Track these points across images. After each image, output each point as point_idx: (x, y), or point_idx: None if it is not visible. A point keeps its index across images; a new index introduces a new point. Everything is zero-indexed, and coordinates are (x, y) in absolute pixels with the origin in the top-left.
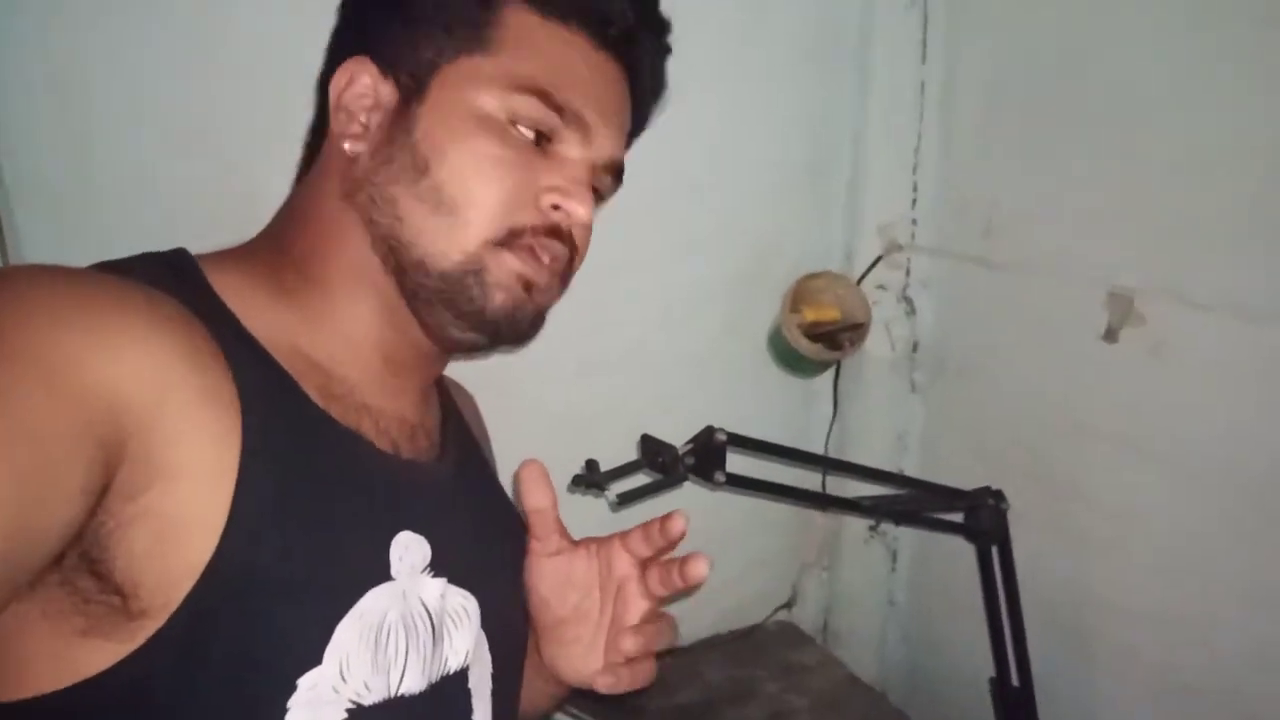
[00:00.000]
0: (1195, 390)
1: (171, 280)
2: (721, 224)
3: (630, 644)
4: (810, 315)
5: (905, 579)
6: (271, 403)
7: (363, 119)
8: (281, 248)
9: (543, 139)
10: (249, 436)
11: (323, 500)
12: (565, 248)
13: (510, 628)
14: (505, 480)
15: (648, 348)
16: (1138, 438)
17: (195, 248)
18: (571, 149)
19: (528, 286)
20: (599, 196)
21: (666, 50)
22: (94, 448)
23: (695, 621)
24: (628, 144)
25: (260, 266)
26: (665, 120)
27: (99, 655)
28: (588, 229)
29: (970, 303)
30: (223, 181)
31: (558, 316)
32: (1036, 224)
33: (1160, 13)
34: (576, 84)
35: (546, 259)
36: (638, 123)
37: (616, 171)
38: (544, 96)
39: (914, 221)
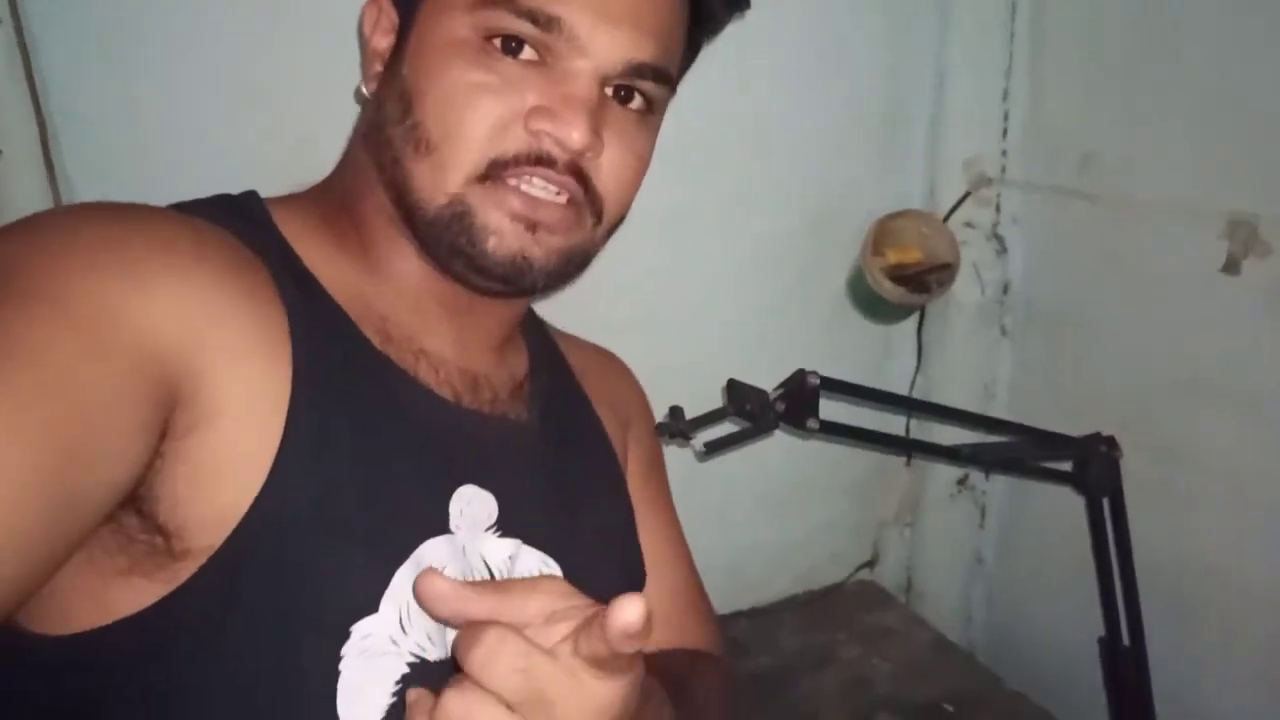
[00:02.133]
0: None
1: (236, 219)
2: (796, 164)
3: None
4: (893, 257)
5: (994, 536)
6: (326, 342)
7: (381, 55)
8: (333, 194)
9: (532, 53)
10: (299, 375)
11: (375, 443)
12: (567, 178)
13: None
14: None
15: (723, 296)
16: (1256, 390)
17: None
18: (571, 60)
19: (532, 226)
20: (646, 103)
21: None
22: (142, 394)
23: (771, 583)
24: (694, 40)
25: (322, 211)
26: (735, 57)
27: (139, 594)
28: (598, 152)
29: (1067, 240)
30: (274, 137)
31: (630, 262)
32: (1142, 152)
33: None
34: None
35: (542, 193)
36: (704, 13)
37: (650, 74)
38: (508, 3)
39: (1004, 154)
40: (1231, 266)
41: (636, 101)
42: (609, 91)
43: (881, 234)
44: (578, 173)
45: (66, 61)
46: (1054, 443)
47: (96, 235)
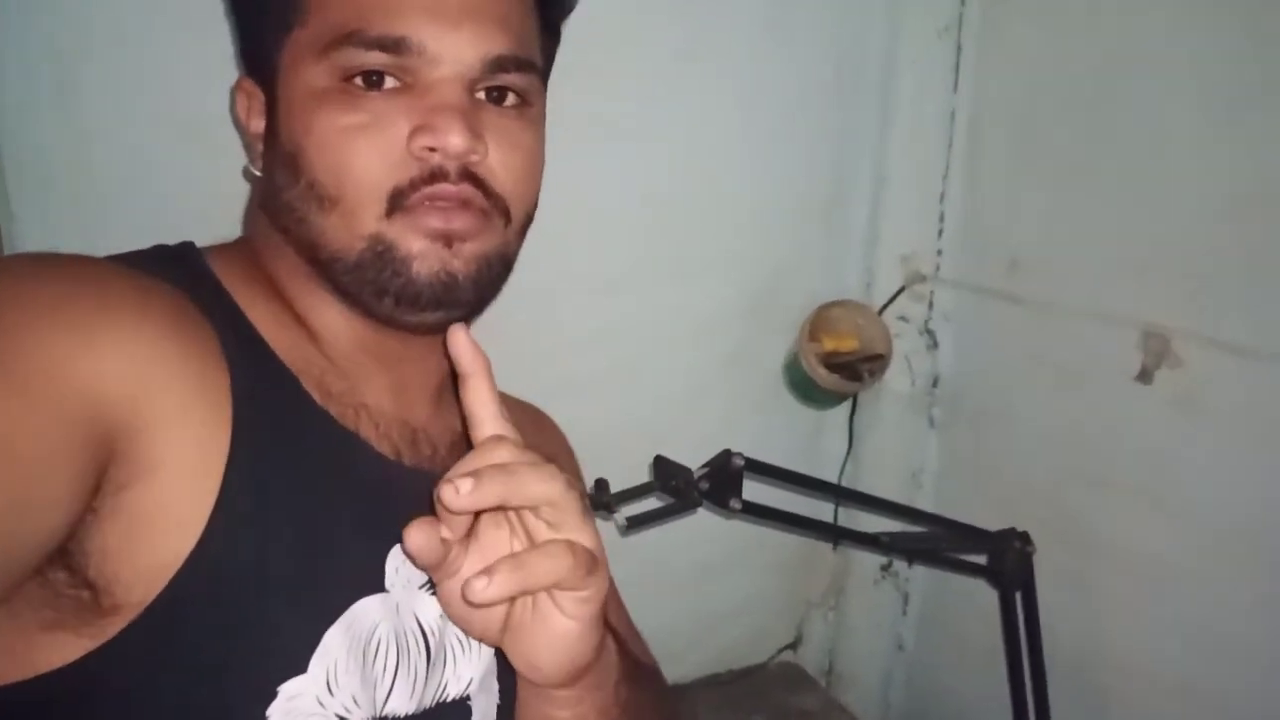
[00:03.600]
0: (1230, 442)
1: (177, 271)
2: (737, 246)
3: None
4: (829, 344)
5: (916, 623)
6: (267, 399)
7: (256, 137)
8: (254, 254)
9: (394, 80)
10: (239, 432)
11: (314, 500)
12: (463, 185)
13: None
14: None
15: (656, 367)
16: (1166, 490)
17: (189, 236)
18: (430, 73)
19: (448, 240)
20: (519, 98)
21: None
22: (79, 451)
23: (694, 659)
24: (550, 24)
25: (259, 261)
26: (683, 136)
27: (64, 649)
28: (483, 154)
29: (994, 339)
30: (220, 170)
31: (566, 326)
32: (1067, 259)
33: (1196, 49)
34: (393, 4)
35: (445, 205)
36: None
37: (510, 65)
38: (355, 38)
39: (939, 253)
40: (1145, 376)
41: (510, 99)
42: (480, 96)
43: (819, 321)
44: (473, 178)
45: (17, 90)
46: (971, 535)
47: (43, 291)
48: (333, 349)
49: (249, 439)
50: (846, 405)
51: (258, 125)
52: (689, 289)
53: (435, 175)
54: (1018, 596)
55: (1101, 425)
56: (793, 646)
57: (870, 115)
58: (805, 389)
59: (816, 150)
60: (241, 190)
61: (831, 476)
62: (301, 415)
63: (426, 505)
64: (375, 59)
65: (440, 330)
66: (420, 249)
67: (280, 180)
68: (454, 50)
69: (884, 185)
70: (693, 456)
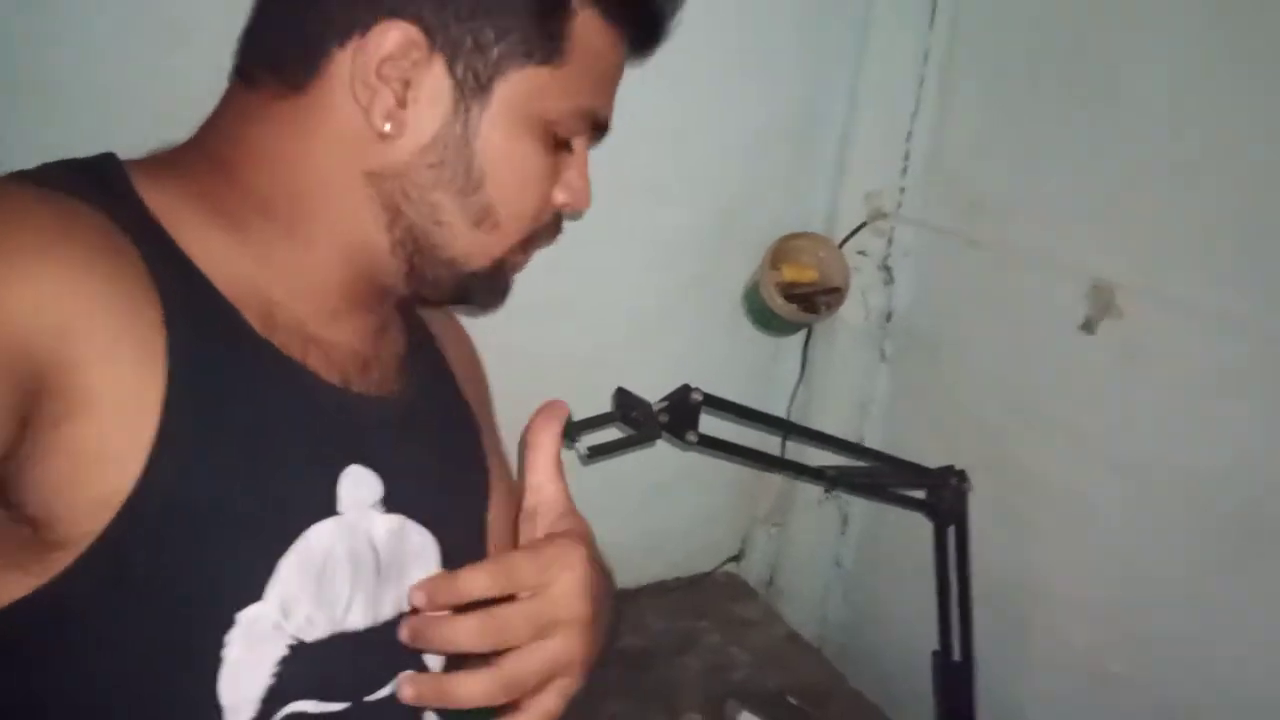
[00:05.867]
0: (1163, 393)
1: (96, 191)
2: (704, 169)
3: None
4: (789, 275)
5: (854, 543)
6: (204, 328)
7: (397, 92)
8: (232, 174)
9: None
10: (176, 364)
11: (259, 430)
12: (557, 234)
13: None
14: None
15: (621, 287)
16: (1098, 434)
17: (149, 130)
18: (583, 141)
19: (516, 272)
20: None
21: None
22: (4, 389)
23: (644, 566)
24: None
25: (197, 185)
26: (653, 57)
27: (10, 587)
28: None
29: (949, 278)
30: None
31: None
32: (1025, 207)
33: (1169, 11)
34: (609, 88)
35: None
36: None
37: None
38: (592, 116)
39: (902, 190)
40: (1089, 326)
41: None
42: None
43: (781, 251)
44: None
45: None
46: (911, 471)
47: None
48: (297, 283)
49: (187, 371)
50: (802, 334)
51: (403, 78)
52: (654, 211)
53: (556, 226)
54: (951, 531)
55: (1044, 369)
56: (736, 559)
57: (845, 47)
58: (763, 317)
59: (789, 78)
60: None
61: (784, 401)
62: (242, 346)
63: (378, 427)
64: (587, 134)
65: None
66: (509, 283)
67: (446, 178)
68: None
69: (854, 119)
70: (654, 379)
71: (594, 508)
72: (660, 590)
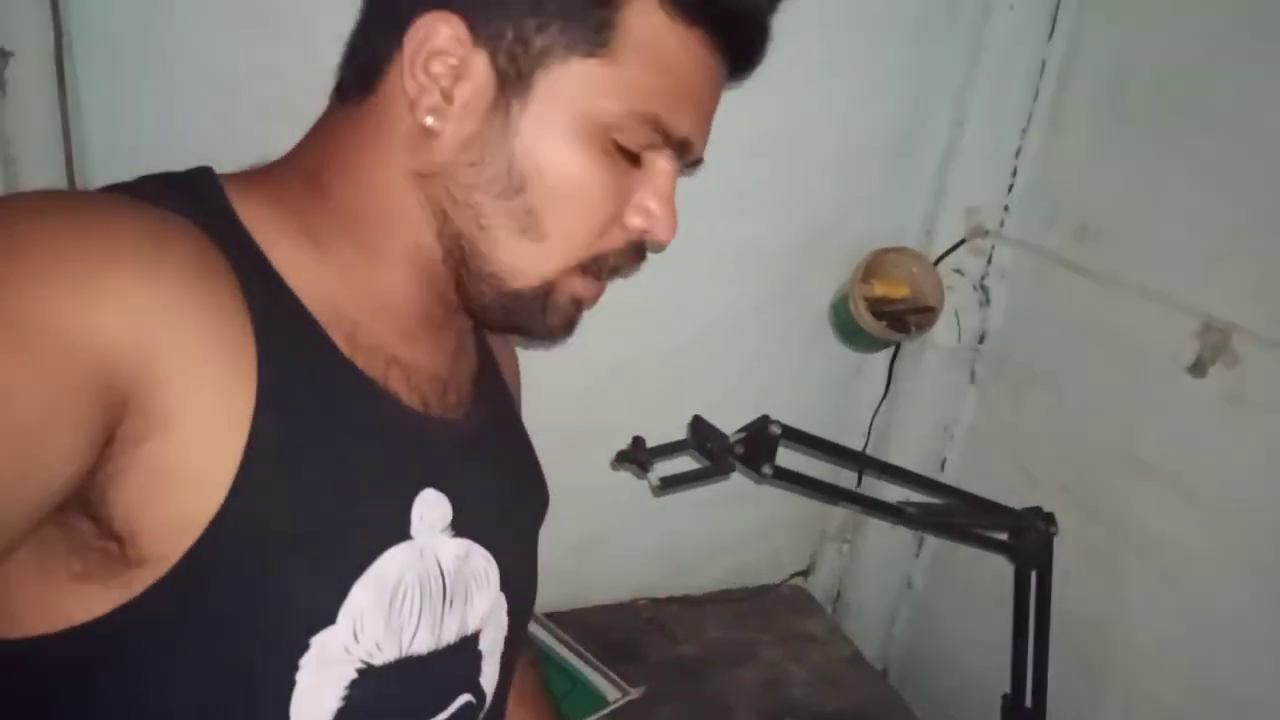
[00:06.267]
0: (1273, 443)
1: (191, 205)
2: (799, 180)
3: None
4: (880, 289)
5: (927, 565)
6: (292, 348)
7: (443, 87)
8: (320, 190)
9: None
10: (264, 384)
11: (343, 455)
12: (636, 263)
13: (525, 591)
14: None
15: (697, 300)
16: (1197, 480)
17: (248, 122)
18: (665, 161)
19: (579, 304)
20: None
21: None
22: (83, 407)
23: (710, 574)
24: None
25: (291, 202)
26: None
27: (94, 601)
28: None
29: (1049, 305)
30: (292, 59)
31: None
32: (1137, 236)
33: None
34: (690, 102)
35: (608, 279)
36: None
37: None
38: (657, 123)
39: (1005, 209)
40: (1198, 368)
41: None
42: None
43: (873, 265)
44: (642, 256)
45: None
46: (995, 512)
47: (40, 236)
48: (376, 303)
49: (274, 392)
50: (888, 350)
51: (449, 73)
52: (745, 220)
53: (633, 254)
54: (1033, 575)
55: (1145, 408)
56: (804, 574)
57: (956, 57)
58: (849, 331)
59: (894, 88)
60: (296, 89)
61: (866, 417)
62: (329, 367)
63: (451, 450)
64: (655, 141)
65: None
66: (565, 307)
67: (486, 177)
68: (699, 148)
69: (960, 132)
70: (731, 391)
71: (659, 509)
72: (723, 599)
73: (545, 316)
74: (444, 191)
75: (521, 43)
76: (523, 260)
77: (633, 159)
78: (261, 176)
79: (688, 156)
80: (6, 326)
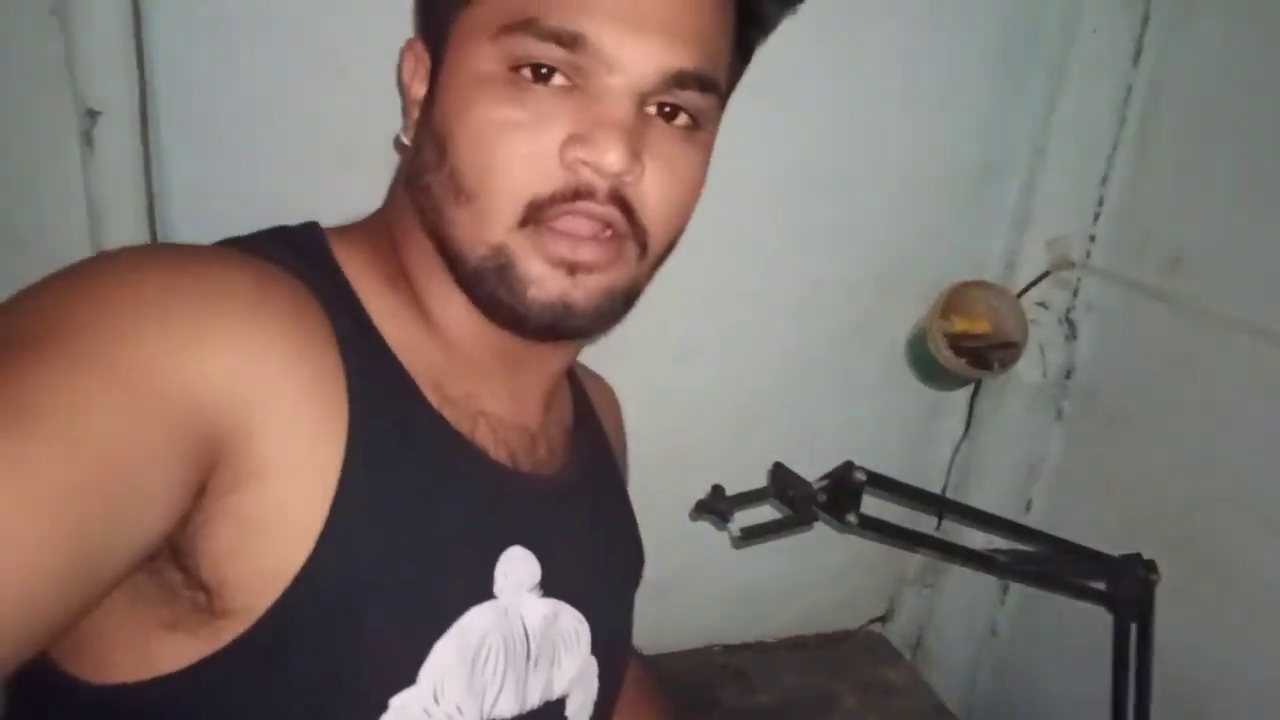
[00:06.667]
0: None
1: (295, 258)
2: (876, 213)
3: None
4: (960, 325)
5: (1013, 611)
6: (383, 401)
7: (417, 107)
8: (395, 237)
9: (563, 78)
10: (355, 436)
11: (428, 508)
12: (609, 207)
13: (618, 655)
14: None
15: (770, 336)
16: None
17: (331, 175)
18: (602, 78)
19: (572, 269)
20: (691, 120)
21: None
22: (180, 453)
23: (782, 618)
24: (744, 44)
25: (383, 249)
26: (835, 102)
27: (181, 651)
28: (638, 176)
29: (1141, 339)
30: (370, 109)
31: (691, 287)
32: (1232, 266)
33: None
34: None
35: (586, 230)
36: (753, 14)
37: (692, 82)
38: (532, 26)
39: (1091, 239)
40: None
41: (681, 118)
42: (651, 110)
43: (953, 300)
44: (620, 201)
45: (172, 29)
46: (1090, 558)
47: (148, 287)
48: (453, 345)
49: (364, 445)
50: (967, 387)
51: (419, 91)
52: (822, 254)
53: (581, 192)
54: (1133, 625)
55: (1244, 446)
56: (882, 620)
57: (1037, 83)
58: (927, 368)
59: (974, 117)
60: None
61: (946, 456)
62: (418, 420)
63: (540, 506)
64: (548, 52)
65: (558, 341)
66: (539, 274)
67: (427, 159)
68: (637, 58)
69: (1042, 161)
70: (807, 429)
71: (731, 552)
72: (797, 645)
73: (524, 290)
74: (416, 190)
75: (436, 19)
76: (465, 229)
77: (544, 79)
78: (364, 227)
79: (618, 63)
80: (108, 372)
